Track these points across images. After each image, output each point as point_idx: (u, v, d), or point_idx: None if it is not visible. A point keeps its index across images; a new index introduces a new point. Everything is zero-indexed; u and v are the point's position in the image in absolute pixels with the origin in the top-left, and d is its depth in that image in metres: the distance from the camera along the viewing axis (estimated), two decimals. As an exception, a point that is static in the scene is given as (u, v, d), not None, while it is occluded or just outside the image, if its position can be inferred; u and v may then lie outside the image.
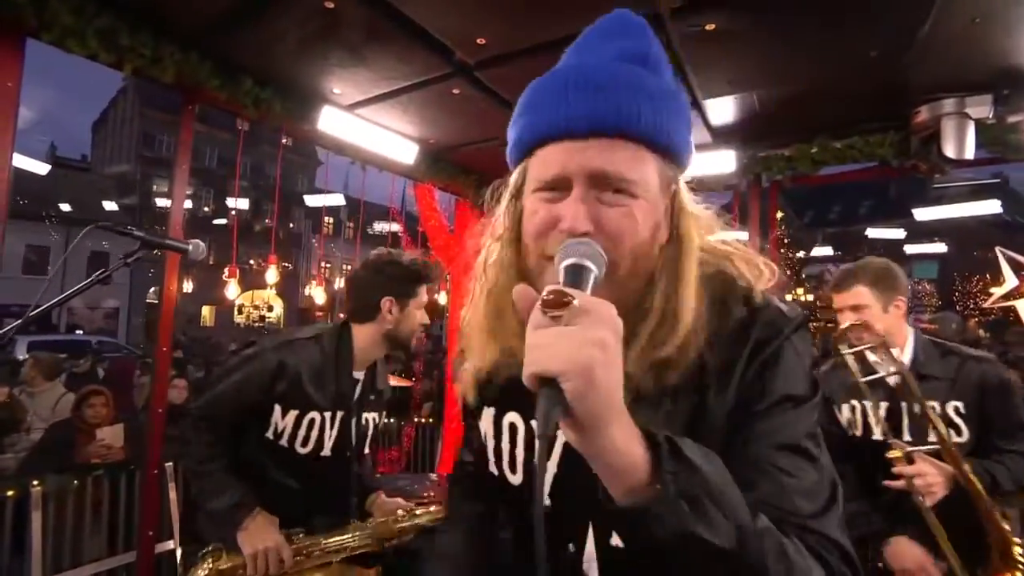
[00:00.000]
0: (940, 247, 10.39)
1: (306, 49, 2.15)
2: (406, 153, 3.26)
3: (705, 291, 0.59)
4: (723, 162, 3.04)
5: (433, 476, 2.56)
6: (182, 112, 2.48)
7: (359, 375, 1.58)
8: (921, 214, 5.12)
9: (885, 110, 2.61)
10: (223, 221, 22.48)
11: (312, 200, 7.31)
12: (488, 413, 0.75)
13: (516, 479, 0.70)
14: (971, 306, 21.32)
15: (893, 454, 1.39)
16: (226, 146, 27.13)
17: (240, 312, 28.24)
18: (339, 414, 1.52)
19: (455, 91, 2.56)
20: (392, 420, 4.53)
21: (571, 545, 0.63)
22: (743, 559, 0.45)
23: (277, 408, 1.46)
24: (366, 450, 1.66)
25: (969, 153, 2.49)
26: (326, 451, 1.51)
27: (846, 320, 1.59)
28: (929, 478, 1.34)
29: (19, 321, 1.09)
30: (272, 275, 4.50)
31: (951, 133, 2.49)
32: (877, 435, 1.49)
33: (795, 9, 1.83)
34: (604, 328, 0.44)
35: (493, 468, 0.73)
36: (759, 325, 0.59)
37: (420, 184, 3.99)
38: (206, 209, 24.71)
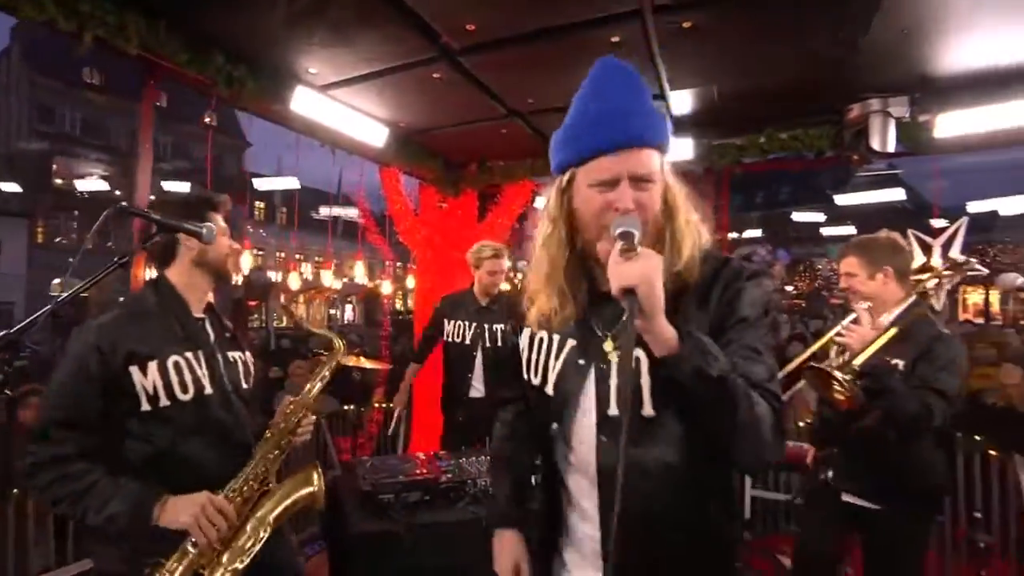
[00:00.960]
0: (851, 229, 11.61)
1: (292, 26, 2.09)
2: (376, 136, 3.23)
3: (695, 249, 0.91)
4: (682, 149, 3.27)
5: (421, 455, 2.61)
6: (143, 87, 2.32)
7: (200, 316, 1.49)
8: (841, 199, 5.74)
9: (824, 106, 2.93)
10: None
11: (263, 184, 6.72)
12: (525, 333, 1.05)
13: (537, 380, 1.02)
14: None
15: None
16: (139, 120, 24.70)
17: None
18: (200, 353, 1.41)
19: (436, 75, 2.58)
20: (353, 407, 4.48)
21: (555, 425, 0.98)
22: (727, 388, 0.79)
23: (135, 371, 1.30)
24: (245, 385, 1.53)
25: (890, 147, 2.86)
26: (208, 389, 1.39)
27: (844, 283, 1.97)
28: (861, 329, 1.76)
29: (37, 315, 1.04)
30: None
31: (876, 129, 2.85)
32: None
33: (762, 14, 2.04)
34: (655, 261, 0.78)
35: (525, 375, 1.05)
36: (726, 272, 0.92)
37: (385, 168, 3.94)
38: (118, 192, 22.27)
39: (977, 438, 3.00)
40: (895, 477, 1.77)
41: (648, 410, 0.87)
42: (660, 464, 0.87)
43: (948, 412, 1.68)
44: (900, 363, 1.75)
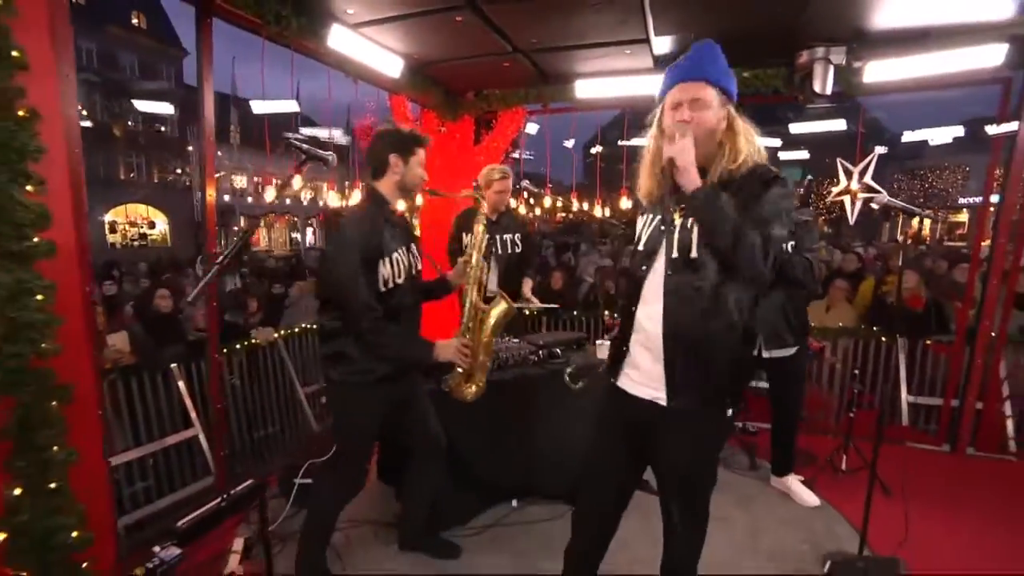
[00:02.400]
0: (804, 154, 12.43)
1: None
2: (394, 68, 3.56)
3: (750, 159, 1.38)
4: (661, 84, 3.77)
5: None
6: (200, 26, 2.60)
7: (397, 218, 2.02)
8: (794, 128, 6.40)
9: (780, 51, 3.46)
10: (86, 123, 18.82)
11: (259, 106, 6.37)
12: (641, 218, 1.53)
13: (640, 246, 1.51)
14: (819, 205, 25.44)
15: None
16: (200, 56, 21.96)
17: (113, 231, 25.06)
18: (403, 248, 1.97)
19: (458, 18, 2.93)
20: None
21: (643, 266, 1.44)
22: (726, 216, 1.27)
23: (380, 264, 1.86)
24: (419, 267, 2.11)
25: (828, 89, 3.45)
26: (403, 276, 1.96)
27: None
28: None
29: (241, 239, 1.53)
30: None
31: (819, 73, 3.43)
32: None
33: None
34: (687, 141, 1.31)
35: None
36: (760, 171, 1.36)
37: (394, 95, 4.26)
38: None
39: (875, 328, 3.99)
40: (797, 329, 2.71)
41: (695, 253, 1.34)
42: (700, 287, 1.33)
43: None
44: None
